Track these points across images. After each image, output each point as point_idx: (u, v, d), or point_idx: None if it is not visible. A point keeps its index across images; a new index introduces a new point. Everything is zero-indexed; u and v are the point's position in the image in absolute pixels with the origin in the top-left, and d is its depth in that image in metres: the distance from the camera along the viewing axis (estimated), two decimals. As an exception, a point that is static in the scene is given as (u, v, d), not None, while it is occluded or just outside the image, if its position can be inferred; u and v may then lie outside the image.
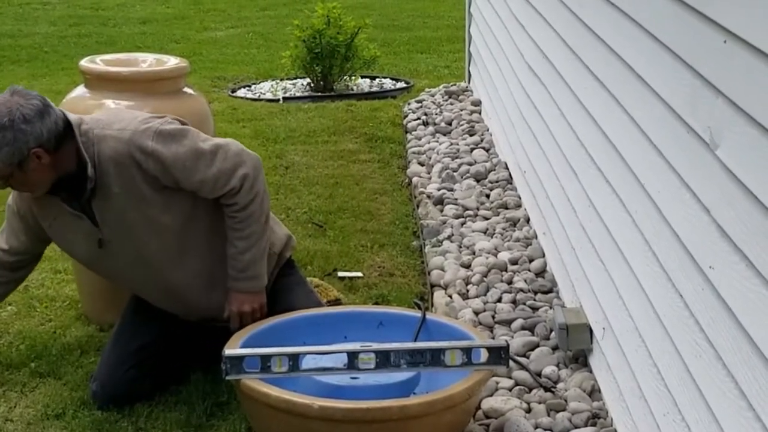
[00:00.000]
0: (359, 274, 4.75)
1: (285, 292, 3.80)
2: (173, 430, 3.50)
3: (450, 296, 4.33)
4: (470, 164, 5.85)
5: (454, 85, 7.70)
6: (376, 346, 3.24)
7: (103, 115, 3.60)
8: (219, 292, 3.64)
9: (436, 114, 7.01)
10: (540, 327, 3.98)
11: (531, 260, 4.56)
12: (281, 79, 8.63)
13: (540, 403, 3.51)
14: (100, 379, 3.64)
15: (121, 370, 3.62)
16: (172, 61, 4.34)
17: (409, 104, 7.46)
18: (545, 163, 4.57)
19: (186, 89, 4.29)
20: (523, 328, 4.00)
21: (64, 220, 3.58)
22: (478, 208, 5.27)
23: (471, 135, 6.45)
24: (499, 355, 3.26)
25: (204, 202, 3.57)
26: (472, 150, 6.15)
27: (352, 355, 3.19)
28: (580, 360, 3.76)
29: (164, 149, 3.44)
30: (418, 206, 5.47)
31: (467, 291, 4.36)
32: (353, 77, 8.38)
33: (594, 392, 3.55)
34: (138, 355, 3.66)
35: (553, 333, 3.90)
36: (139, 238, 3.54)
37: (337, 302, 4.15)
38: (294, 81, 8.54)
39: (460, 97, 7.38)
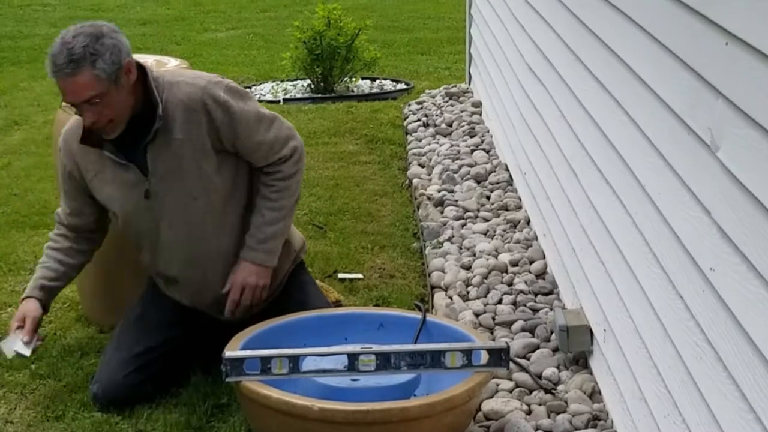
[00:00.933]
0: (359, 275, 4.75)
1: (299, 290, 3.84)
2: (173, 432, 3.50)
3: (450, 298, 4.32)
4: (471, 166, 5.85)
5: (455, 86, 7.70)
6: (376, 347, 3.24)
7: (169, 71, 3.71)
8: None
9: (437, 115, 7.01)
10: (540, 329, 3.97)
11: (531, 262, 4.56)
12: (281, 81, 8.64)
13: (540, 404, 3.51)
14: (101, 382, 3.64)
15: (121, 374, 3.62)
16: (172, 63, 4.34)
17: (409, 106, 7.46)
18: (546, 164, 4.57)
19: (186, 91, 4.28)
20: (523, 329, 4.00)
21: (107, 173, 3.59)
22: (478, 210, 5.27)
23: (471, 136, 6.45)
24: (499, 356, 3.26)
25: (243, 179, 3.63)
26: (472, 151, 6.15)
27: (353, 357, 3.19)
28: (580, 362, 3.76)
29: (234, 102, 3.53)
30: (418, 208, 5.47)
31: (467, 293, 4.36)
32: (354, 79, 8.38)
33: (594, 394, 3.55)
34: (140, 358, 3.65)
35: (553, 335, 3.90)
36: (188, 192, 3.56)
37: (337, 304, 4.15)
38: (294, 82, 8.54)
39: (461, 99, 7.38)
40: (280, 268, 3.76)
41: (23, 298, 3.74)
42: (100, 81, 3.35)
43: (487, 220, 5.13)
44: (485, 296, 4.30)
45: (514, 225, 5.02)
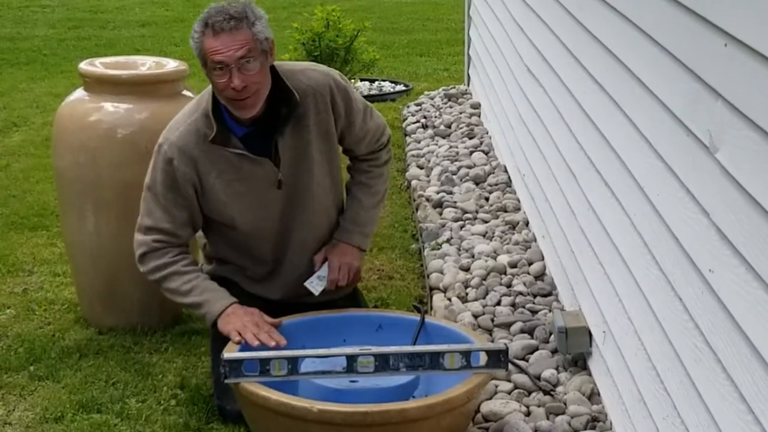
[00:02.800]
0: (358, 277, 4.74)
1: (360, 294, 3.96)
2: (172, 434, 3.50)
3: (449, 299, 4.32)
4: (469, 167, 5.85)
5: (454, 88, 7.70)
6: (375, 349, 3.24)
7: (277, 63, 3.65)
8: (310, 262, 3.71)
9: (436, 117, 7.01)
10: (539, 330, 3.97)
11: (530, 263, 4.56)
12: (280, 82, 8.62)
13: (539, 406, 3.51)
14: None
15: None
16: (171, 64, 4.34)
17: (408, 107, 7.46)
18: (544, 166, 4.57)
19: (185, 92, 4.28)
20: (522, 331, 4.00)
21: (232, 171, 3.52)
22: (477, 211, 5.26)
23: (470, 138, 6.45)
24: (498, 358, 3.26)
25: (339, 165, 3.73)
26: (471, 153, 6.15)
27: (351, 359, 3.19)
28: (579, 363, 3.75)
29: (349, 88, 3.65)
30: (417, 209, 5.47)
31: (466, 294, 4.36)
32: (352, 80, 8.37)
33: (593, 395, 3.55)
34: None
35: (552, 336, 3.89)
36: (313, 178, 3.60)
37: None
38: (293, 84, 8.53)
39: (460, 100, 7.38)
40: (361, 266, 3.85)
41: (220, 313, 3.46)
42: (255, 42, 3.37)
43: (486, 222, 5.13)
44: (484, 298, 4.30)
45: (512, 226, 5.02)
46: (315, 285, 3.67)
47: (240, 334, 3.37)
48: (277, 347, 3.33)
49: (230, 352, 3.25)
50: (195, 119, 3.52)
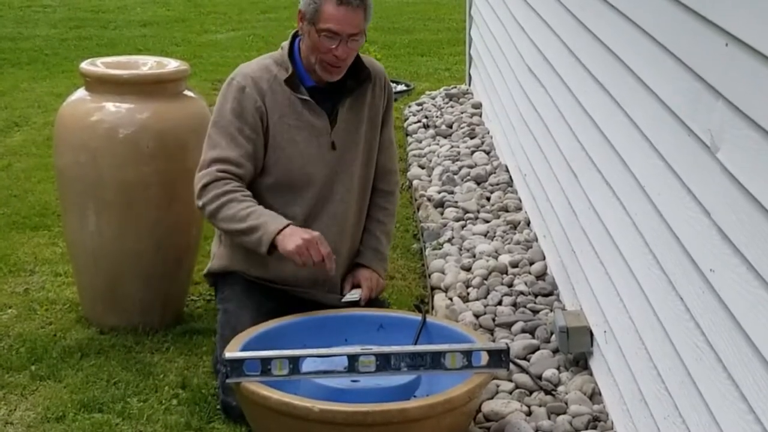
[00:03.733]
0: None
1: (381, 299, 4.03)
2: (173, 433, 3.50)
3: (450, 299, 4.32)
4: (471, 167, 5.85)
5: (455, 87, 7.70)
6: (376, 349, 3.24)
7: None
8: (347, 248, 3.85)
9: (437, 117, 7.01)
10: (540, 330, 3.97)
11: (531, 263, 4.56)
12: (282, 82, 8.61)
13: (540, 406, 3.51)
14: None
15: None
16: (172, 64, 4.34)
17: (409, 107, 7.46)
18: (546, 165, 4.57)
19: (186, 92, 4.29)
20: (523, 331, 4.00)
21: (293, 116, 3.70)
22: (478, 211, 5.27)
23: (471, 138, 6.45)
24: (499, 358, 3.26)
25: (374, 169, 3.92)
26: (472, 153, 6.15)
27: (353, 358, 3.19)
28: (580, 363, 3.76)
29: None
30: (418, 209, 5.47)
31: (468, 294, 4.36)
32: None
33: (594, 395, 3.55)
34: None
35: (553, 336, 3.90)
36: (355, 156, 3.79)
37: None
38: (294, 84, 8.52)
39: (461, 100, 7.38)
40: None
41: (279, 232, 3.52)
42: (363, 24, 3.67)
43: (487, 222, 5.13)
44: (485, 297, 4.30)
45: (514, 226, 5.02)
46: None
47: (300, 255, 3.49)
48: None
49: (232, 352, 3.25)
50: (267, 63, 3.75)
